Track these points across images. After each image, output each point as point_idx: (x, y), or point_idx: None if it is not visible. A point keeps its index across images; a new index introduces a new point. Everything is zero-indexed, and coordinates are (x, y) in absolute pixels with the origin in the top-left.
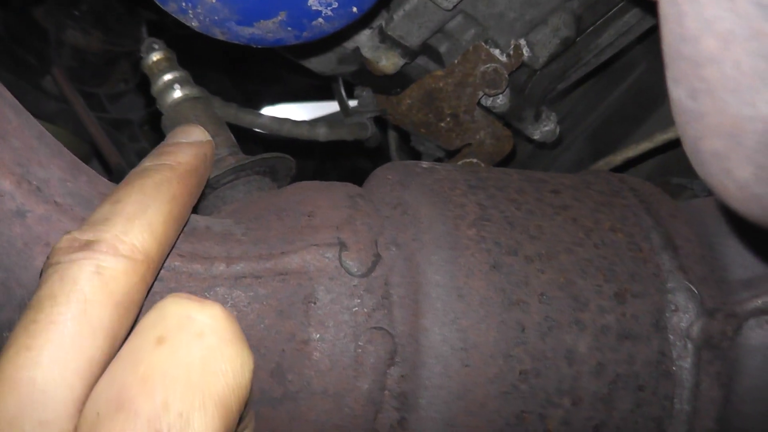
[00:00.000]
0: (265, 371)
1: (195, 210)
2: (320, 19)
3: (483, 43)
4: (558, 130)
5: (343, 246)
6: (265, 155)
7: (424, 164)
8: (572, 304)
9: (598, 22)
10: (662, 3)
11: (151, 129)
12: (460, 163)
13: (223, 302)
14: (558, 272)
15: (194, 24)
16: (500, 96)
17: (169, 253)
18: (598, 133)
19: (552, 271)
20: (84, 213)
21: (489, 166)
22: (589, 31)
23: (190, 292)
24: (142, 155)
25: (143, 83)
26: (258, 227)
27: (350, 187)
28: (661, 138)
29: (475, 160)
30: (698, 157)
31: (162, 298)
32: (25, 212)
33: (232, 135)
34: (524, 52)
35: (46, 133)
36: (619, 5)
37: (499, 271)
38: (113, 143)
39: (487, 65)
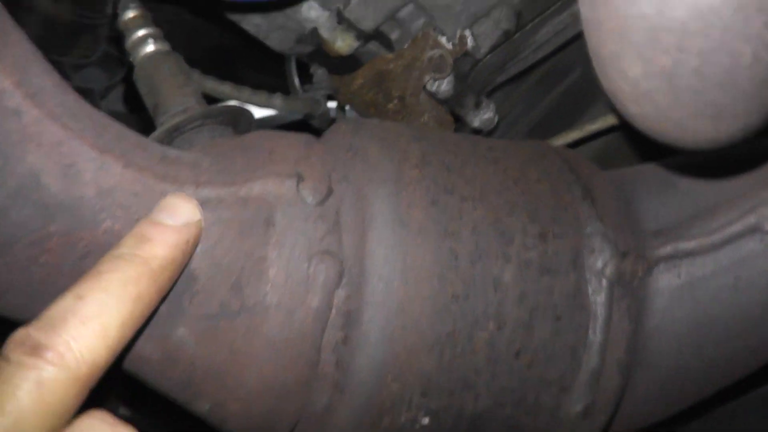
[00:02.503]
0: (224, 286)
1: None
2: None
3: (431, 31)
4: (496, 119)
5: (300, 177)
6: (229, 105)
7: (375, 120)
8: (500, 239)
9: (537, 19)
10: None
11: (112, 99)
12: None
13: None
14: (488, 210)
15: None
16: (444, 82)
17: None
18: (534, 130)
19: (483, 209)
20: (71, 124)
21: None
22: (527, 27)
23: None
24: None
25: (105, 57)
26: (224, 160)
27: (306, 135)
28: (589, 128)
29: None
30: (600, 64)
31: (138, 213)
32: (22, 112)
33: (198, 88)
34: (468, 41)
35: (39, 52)
36: (557, 4)
37: (436, 206)
38: None
39: (434, 51)
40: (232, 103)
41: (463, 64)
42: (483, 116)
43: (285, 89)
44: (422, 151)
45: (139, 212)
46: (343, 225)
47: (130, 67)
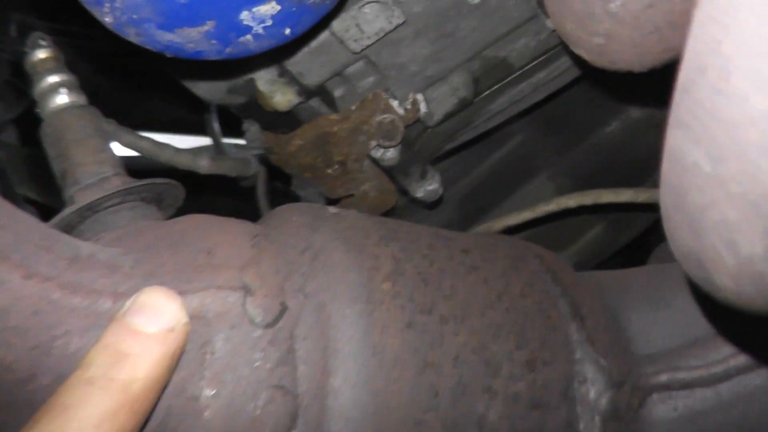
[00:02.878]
0: (147, 430)
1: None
2: (249, 36)
3: (383, 93)
4: (441, 191)
5: (247, 290)
6: (155, 180)
7: (331, 209)
8: (485, 370)
9: (494, 87)
10: (695, 60)
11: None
12: None
13: None
14: (471, 335)
15: (107, 20)
16: (391, 149)
17: None
18: (468, 197)
19: (466, 333)
20: None
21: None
22: (484, 95)
23: (68, 332)
24: None
25: (3, 87)
26: (149, 260)
27: (250, 225)
28: (543, 209)
29: (356, 211)
30: (695, 227)
31: (38, 338)
32: None
33: (114, 152)
34: (421, 107)
35: None
36: (516, 74)
37: (413, 330)
38: None
39: (385, 116)
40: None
41: (412, 132)
42: (427, 187)
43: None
44: (394, 257)
45: (39, 337)
46: (299, 352)
47: (32, 101)
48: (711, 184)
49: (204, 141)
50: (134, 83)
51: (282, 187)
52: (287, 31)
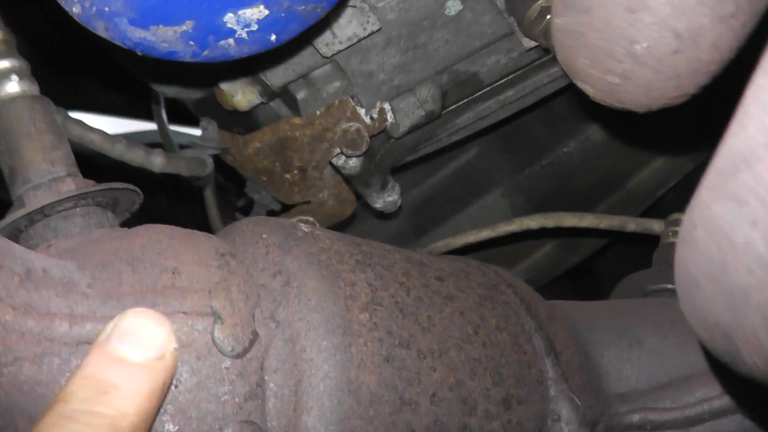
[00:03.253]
0: None
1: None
2: (230, 40)
3: (350, 100)
4: (400, 202)
5: (216, 317)
6: (113, 185)
7: (304, 227)
8: (461, 408)
9: (461, 102)
10: (762, 135)
11: None
12: (295, 219)
13: (59, 375)
14: (449, 371)
15: (75, 10)
16: (353, 158)
17: None
18: (421, 208)
19: (443, 369)
20: None
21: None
22: (451, 108)
23: (18, 358)
24: None
25: None
26: (107, 278)
27: (216, 241)
28: (504, 229)
29: (311, 219)
30: (734, 303)
31: None
32: None
33: (71, 150)
34: (388, 117)
35: None
36: (485, 90)
37: (391, 365)
38: None
39: (351, 124)
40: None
41: (375, 142)
42: (387, 198)
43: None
44: (371, 285)
45: None
46: (269, 385)
47: None
48: (764, 267)
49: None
50: (70, 61)
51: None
52: (272, 37)
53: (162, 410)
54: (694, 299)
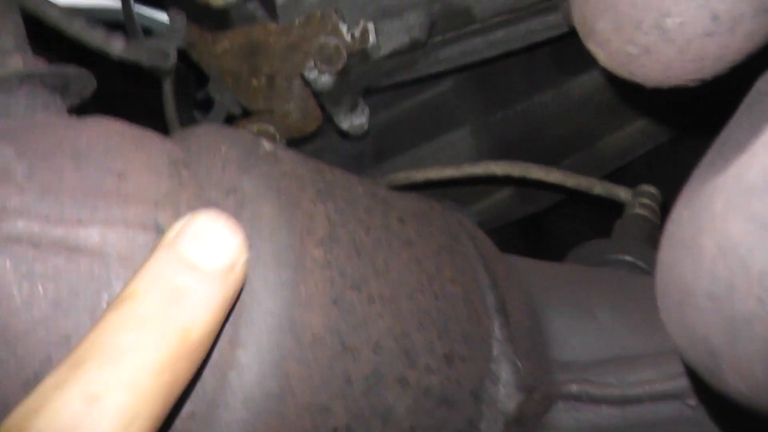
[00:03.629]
0: (17, 381)
1: None
2: None
3: (334, 13)
4: (367, 126)
5: (161, 233)
6: (64, 67)
7: (267, 145)
8: (403, 359)
9: (449, 35)
10: None
11: None
12: (254, 128)
13: None
14: (396, 320)
15: None
16: (326, 74)
17: None
18: (386, 133)
19: (390, 317)
20: None
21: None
22: (436, 39)
23: None
24: None
25: None
26: (47, 172)
27: (170, 146)
28: (468, 170)
29: (272, 129)
30: (733, 329)
31: None
32: None
33: (21, 20)
34: (370, 38)
35: None
36: (474, 26)
37: (339, 308)
38: None
39: (330, 38)
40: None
41: (352, 61)
42: (355, 120)
43: None
44: (330, 219)
45: None
46: None
47: None
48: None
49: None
50: None
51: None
52: None
53: (90, 326)
54: (683, 308)
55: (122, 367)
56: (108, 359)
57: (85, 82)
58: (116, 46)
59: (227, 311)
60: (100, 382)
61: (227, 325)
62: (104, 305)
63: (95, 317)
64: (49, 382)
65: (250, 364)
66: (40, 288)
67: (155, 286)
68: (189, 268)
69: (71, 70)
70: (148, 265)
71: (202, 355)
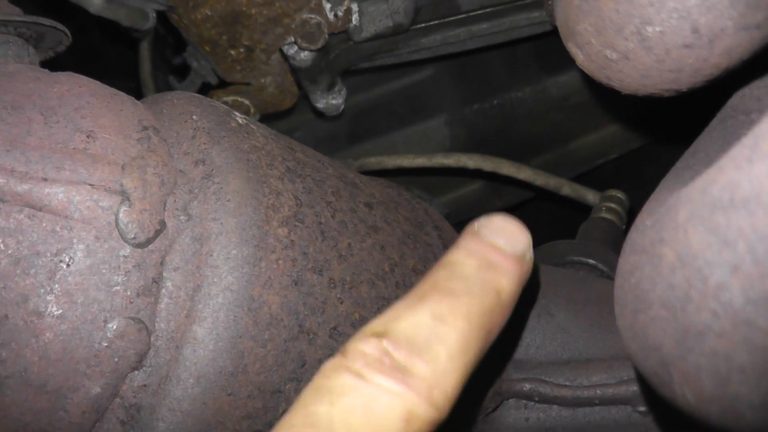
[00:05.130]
0: None
1: None
2: None
3: None
4: (342, 107)
5: (125, 197)
6: (40, 19)
7: (239, 118)
8: None
9: (432, 23)
10: None
11: None
12: (229, 99)
13: None
14: (355, 306)
15: None
16: (306, 51)
17: None
18: (361, 115)
19: (350, 303)
20: None
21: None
22: (420, 26)
23: None
24: None
25: None
26: (15, 124)
27: (141, 110)
28: (440, 161)
29: (247, 102)
30: (685, 340)
31: None
32: None
33: None
34: (353, 18)
35: None
36: (459, 17)
37: (298, 289)
38: None
39: (312, 15)
40: None
41: (333, 40)
42: (331, 100)
43: None
44: (297, 198)
45: None
46: (166, 285)
47: None
48: (732, 316)
49: None
50: None
51: (172, 43)
52: None
53: (48, 288)
54: (637, 315)
55: (459, 303)
56: (447, 296)
57: (60, 35)
58: (95, 2)
59: (520, 291)
60: (444, 309)
61: (185, 300)
62: (63, 268)
63: (53, 279)
64: (399, 305)
65: (205, 339)
66: (0, 243)
67: (472, 257)
68: (495, 251)
69: (47, 21)
70: (461, 244)
71: (505, 318)
